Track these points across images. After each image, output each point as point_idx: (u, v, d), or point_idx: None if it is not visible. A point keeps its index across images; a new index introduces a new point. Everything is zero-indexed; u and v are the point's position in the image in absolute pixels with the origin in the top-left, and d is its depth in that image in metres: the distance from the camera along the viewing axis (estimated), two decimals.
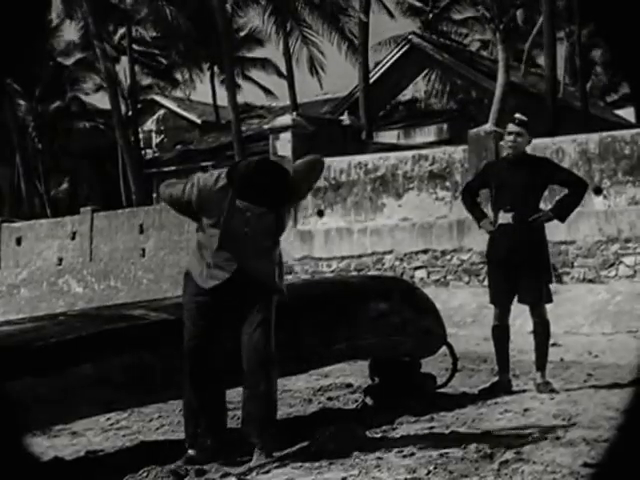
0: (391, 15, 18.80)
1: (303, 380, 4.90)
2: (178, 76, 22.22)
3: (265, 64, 22.51)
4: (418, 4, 20.26)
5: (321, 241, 10.32)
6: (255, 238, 3.02)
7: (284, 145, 10.86)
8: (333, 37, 17.42)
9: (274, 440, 2.97)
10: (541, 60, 17.44)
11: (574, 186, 4.41)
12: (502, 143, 4.40)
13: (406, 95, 17.39)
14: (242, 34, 21.49)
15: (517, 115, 4.37)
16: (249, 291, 3.03)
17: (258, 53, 22.60)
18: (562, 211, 4.38)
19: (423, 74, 17.15)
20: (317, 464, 2.84)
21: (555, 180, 4.47)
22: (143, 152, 20.45)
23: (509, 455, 2.81)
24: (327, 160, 12.21)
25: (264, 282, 3.06)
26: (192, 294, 3.08)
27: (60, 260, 13.87)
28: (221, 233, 3.00)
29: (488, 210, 4.74)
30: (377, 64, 17.31)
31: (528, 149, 4.46)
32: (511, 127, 4.32)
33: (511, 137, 4.29)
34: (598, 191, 8.43)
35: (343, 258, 10.12)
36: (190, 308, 3.06)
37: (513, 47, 15.57)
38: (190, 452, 3.00)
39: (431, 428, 3.41)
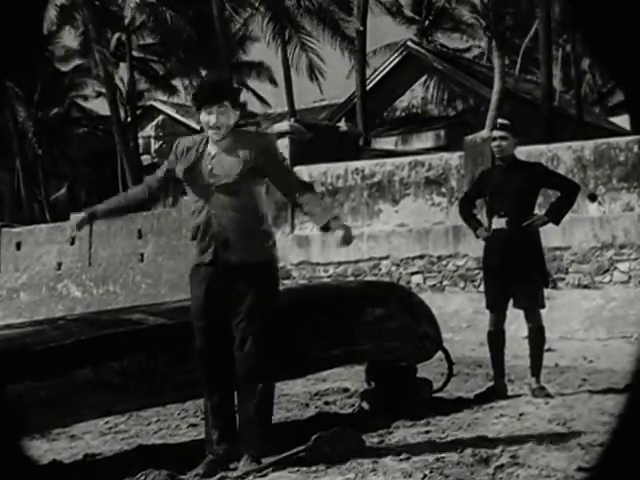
0: (393, 16, 18.80)
1: (300, 384, 4.91)
2: (176, 82, 22.28)
3: (261, 70, 22.56)
4: (413, 15, 20.36)
5: (318, 246, 10.35)
6: (228, 191, 2.92)
7: (282, 151, 10.89)
8: (332, 44, 17.51)
9: (259, 446, 2.91)
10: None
11: (566, 189, 4.46)
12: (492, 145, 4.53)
13: (403, 102, 17.46)
14: (238, 36, 21.49)
15: (499, 120, 4.52)
16: (236, 277, 2.91)
17: (255, 56, 22.65)
18: (555, 214, 4.42)
19: (420, 81, 17.22)
20: (314, 468, 2.86)
21: (547, 184, 4.54)
22: (142, 158, 20.47)
23: (504, 459, 2.83)
24: (324, 166, 12.19)
25: (250, 262, 2.92)
26: (192, 293, 3.01)
27: (59, 265, 13.88)
28: (194, 188, 2.97)
29: (483, 216, 4.79)
30: (374, 71, 17.38)
31: (523, 156, 4.52)
32: (495, 132, 4.45)
33: (496, 142, 4.40)
34: (593, 197, 8.47)
35: (340, 263, 10.14)
36: (192, 308, 2.99)
37: (509, 54, 15.65)
38: (210, 457, 2.95)
39: (427, 432, 3.43)
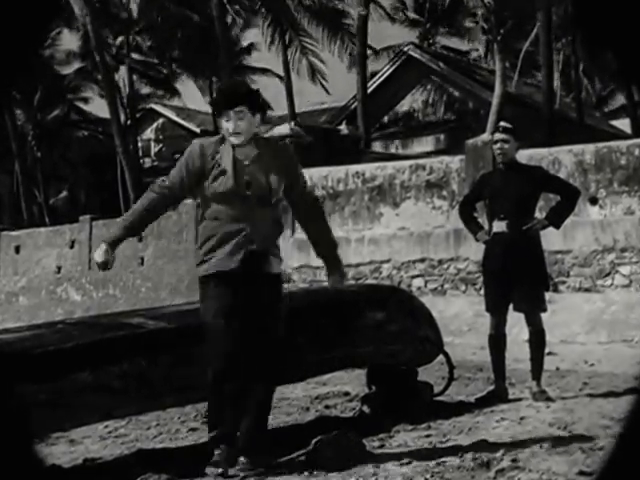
0: (392, 20, 18.82)
1: (301, 388, 4.91)
2: (177, 85, 22.32)
3: (265, 74, 22.58)
4: (415, 16, 20.37)
5: None
6: (265, 203, 2.93)
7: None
8: (331, 48, 17.52)
9: (258, 450, 2.89)
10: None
11: (566, 193, 4.47)
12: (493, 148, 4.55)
13: (404, 105, 17.48)
14: (243, 44, 21.52)
15: (501, 123, 4.54)
16: (263, 286, 2.95)
17: (256, 59, 22.66)
18: (556, 218, 4.43)
19: (421, 84, 17.24)
20: (314, 472, 2.86)
21: (547, 188, 4.56)
22: (142, 161, 20.49)
23: (505, 463, 2.83)
24: (325, 169, 12.18)
25: (275, 273, 3.00)
26: (213, 299, 2.91)
27: (59, 268, 13.88)
28: (228, 193, 2.91)
29: (484, 220, 4.79)
30: (375, 74, 17.40)
31: (524, 159, 4.53)
32: (497, 135, 4.46)
33: (498, 145, 4.42)
34: (594, 201, 8.47)
35: None
36: (212, 312, 2.90)
37: (510, 58, 15.67)
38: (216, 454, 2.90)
39: (428, 436, 3.43)
